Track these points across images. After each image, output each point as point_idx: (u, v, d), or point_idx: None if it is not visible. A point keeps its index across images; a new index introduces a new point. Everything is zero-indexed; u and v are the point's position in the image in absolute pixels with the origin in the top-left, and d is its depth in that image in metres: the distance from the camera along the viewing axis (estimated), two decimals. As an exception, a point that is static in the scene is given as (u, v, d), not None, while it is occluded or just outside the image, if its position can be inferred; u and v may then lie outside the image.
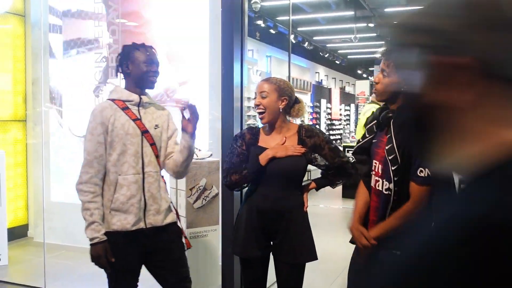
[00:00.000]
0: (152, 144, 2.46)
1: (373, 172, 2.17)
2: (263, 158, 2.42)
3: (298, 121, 3.12)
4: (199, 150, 3.52)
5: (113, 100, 2.46)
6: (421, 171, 1.96)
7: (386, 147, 2.05)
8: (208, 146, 3.94)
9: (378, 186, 2.13)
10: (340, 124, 20.78)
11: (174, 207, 2.63)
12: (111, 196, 2.41)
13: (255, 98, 2.51)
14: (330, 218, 7.60)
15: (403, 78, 2.19)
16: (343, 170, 2.56)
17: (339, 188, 8.82)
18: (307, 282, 4.45)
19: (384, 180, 2.08)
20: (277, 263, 2.56)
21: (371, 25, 13.46)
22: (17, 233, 5.53)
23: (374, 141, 2.22)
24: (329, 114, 19.57)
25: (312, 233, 2.56)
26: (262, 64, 14.76)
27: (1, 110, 5.39)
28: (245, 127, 3.59)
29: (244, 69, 3.62)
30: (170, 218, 2.55)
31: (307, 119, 17.44)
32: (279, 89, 2.49)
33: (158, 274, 2.58)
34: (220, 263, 3.56)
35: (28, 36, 5.59)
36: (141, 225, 2.43)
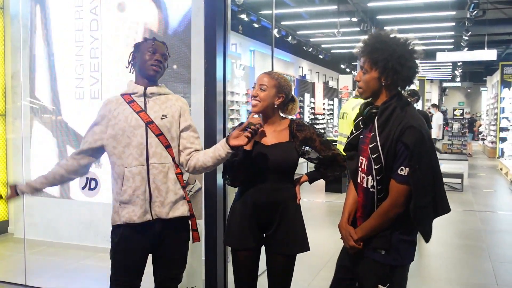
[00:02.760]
0: (159, 135, 2.42)
1: (360, 169, 2.17)
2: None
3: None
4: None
5: (122, 94, 2.49)
6: (402, 169, 1.97)
7: (370, 146, 2.04)
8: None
9: (364, 183, 2.13)
10: (323, 119, 20.87)
11: (188, 201, 2.54)
12: (119, 189, 2.40)
13: (254, 88, 2.55)
14: (314, 212, 7.63)
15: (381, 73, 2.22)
16: (335, 162, 2.62)
17: (322, 182, 8.85)
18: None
19: (369, 177, 2.08)
20: (270, 254, 2.58)
21: (354, 19, 13.50)
22: (-3, 229, 5.46)
23: (361, 137, 2.22)
24: (313, 108, 19.63)
25: (304, 225, 2.61)
26: (245, 58, 14.74)
27: (-21, 104, 5.30)
28: (228, 121, 3.57)
29: (227, 63, 3.60)
30: (179, 212, 2.46)
31: (290, 114, 17.48)
32: (279, 85, 2.55)
33: (153, 266, 2.57)
34: (203, 257, 3.55)
35: (8, 29, 5.50)
36: (148, 217, 2.39)
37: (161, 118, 2.44)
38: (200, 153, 2.49)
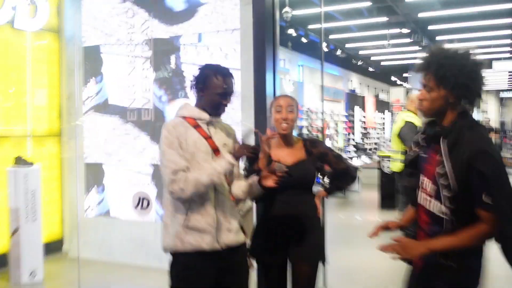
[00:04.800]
0: None
1: (421, 189, 2.05)
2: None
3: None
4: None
5: (183, 117, 2.41)
6: (486, 197, 1.82)
7: (438, 169, 1.91)
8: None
9: (426, 205, 2.01)
10: (377, 133, 20.50)
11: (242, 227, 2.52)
12: (184, 213, 2.32)
13: (278, 111, 2.65)
14: (368, 231, 7.37)
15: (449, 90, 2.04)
16: (347, 174, 2.82)
17: (376, 198, 8.58)
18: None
19: (436, 201, 1.95)
20: (294, 264, 2.67)
21: (405, 30, 13.23)
22: (52, 248, 5.56)
23: (422, 155, 2.09)
24: (364, 122, 19.33)
25: (324, 236, 2.81)
26: (294, 73, 14.71)
27: (37, 125, 5.46)
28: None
29: (276, 79, 3.58)
30: (241, 238, 2.46)
31: (341, 128, 17.26)
32: (297, 105, 2.76)
33: None
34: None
35: (63, 52, 5.67)
36: (216, 245, 2.33)
37: (223, 146, 2.42)
38: (234, 185, 2.52)
